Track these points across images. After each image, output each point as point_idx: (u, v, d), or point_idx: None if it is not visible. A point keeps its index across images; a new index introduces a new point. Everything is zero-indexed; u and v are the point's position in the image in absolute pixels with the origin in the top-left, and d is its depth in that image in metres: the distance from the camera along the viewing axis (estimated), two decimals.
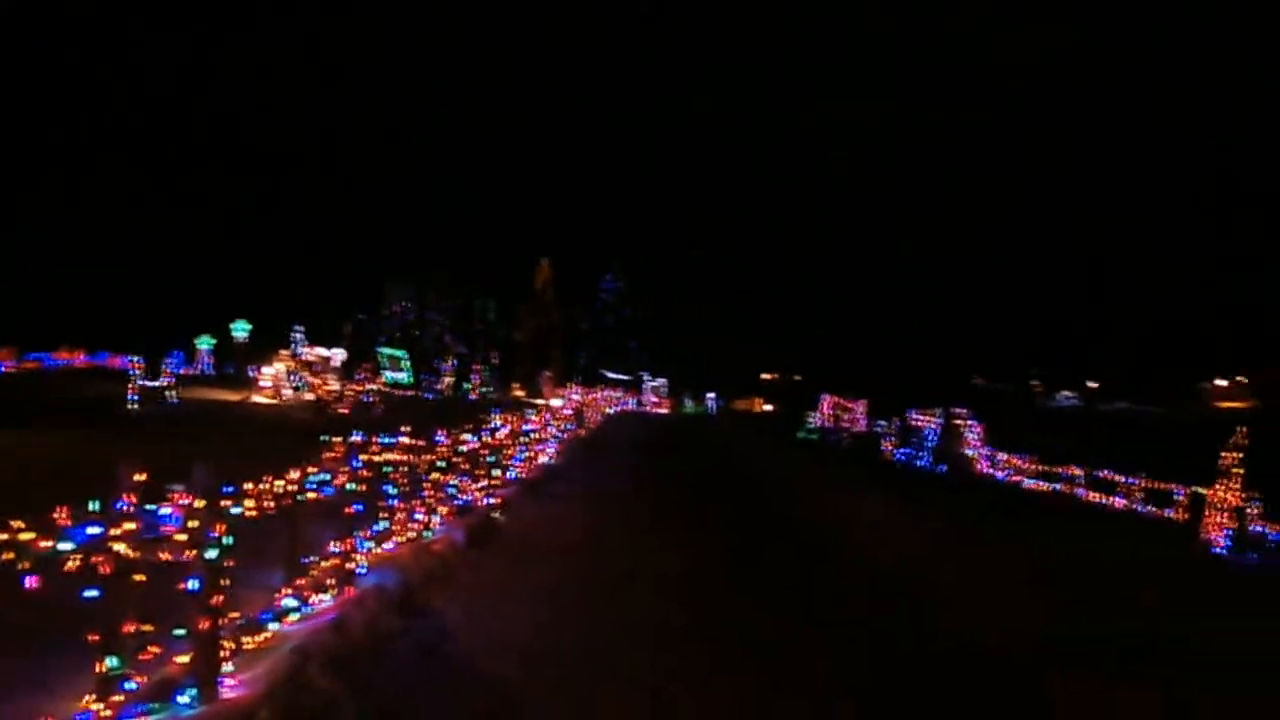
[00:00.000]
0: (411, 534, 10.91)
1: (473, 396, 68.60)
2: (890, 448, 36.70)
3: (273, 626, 6.89)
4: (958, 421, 34.06)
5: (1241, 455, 16.40)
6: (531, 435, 21.77)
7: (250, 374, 44.76)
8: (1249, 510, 16.52)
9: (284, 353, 42.62)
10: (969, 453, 32.85)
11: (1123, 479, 22.79)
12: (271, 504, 6.93)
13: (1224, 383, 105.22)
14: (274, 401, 38.65)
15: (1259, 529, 16.31)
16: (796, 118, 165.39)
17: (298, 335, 46.86)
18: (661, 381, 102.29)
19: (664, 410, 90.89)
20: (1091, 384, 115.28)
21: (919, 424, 34.91)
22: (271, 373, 40.68)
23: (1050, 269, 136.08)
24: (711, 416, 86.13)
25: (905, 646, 8.56)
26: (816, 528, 16.23)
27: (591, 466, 24.36)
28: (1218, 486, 16.53)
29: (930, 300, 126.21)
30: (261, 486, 6.80)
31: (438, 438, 12.64)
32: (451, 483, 12.97)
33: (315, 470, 8.02)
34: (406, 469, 10.90)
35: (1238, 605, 11.80)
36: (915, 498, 21.21)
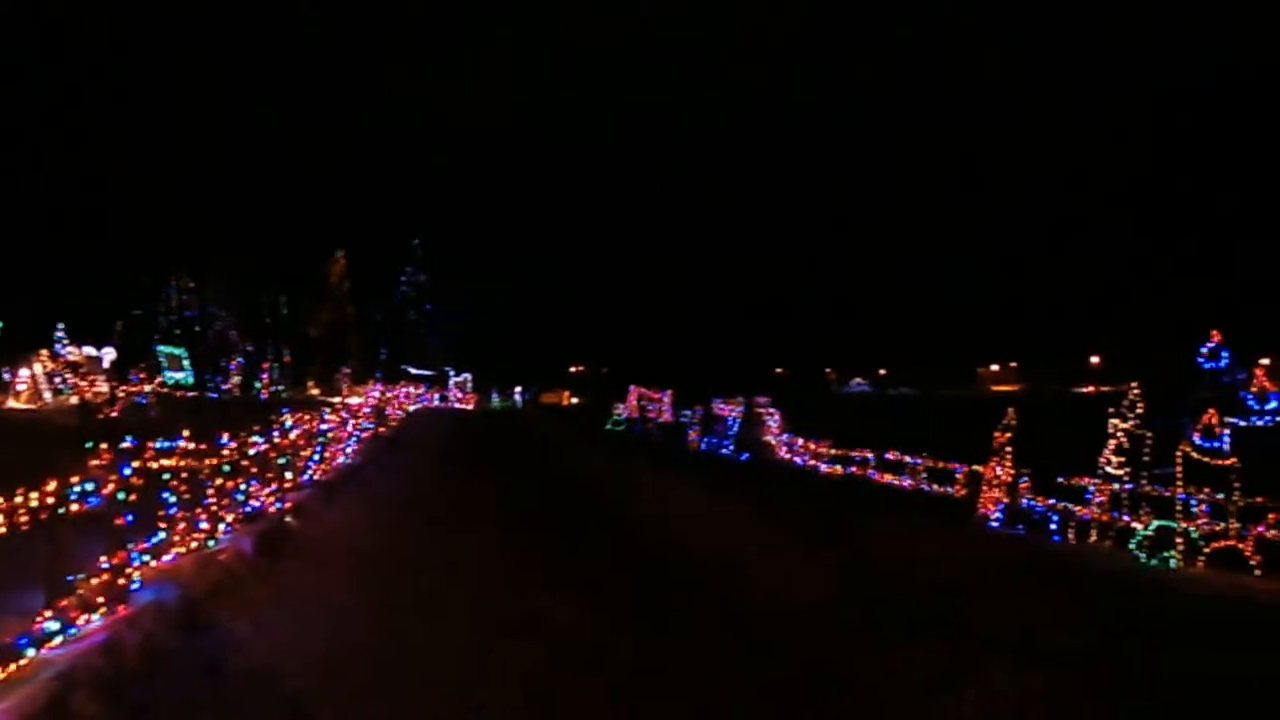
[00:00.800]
0: (194, 544, 10.24)
1: (263, 395, 65.17)
2: (695, 437, 37.78)
3: (30, 653, 6.29)
4: (759, 410, 35.50)
5: (1011, 435, 17.98)
6: (328, 435, 20.92)
7: (3, 377, 40.62)
8: (1019, 485, 18.17)
9: (44, 352, 38.97)
10: (770, 440, 34.32)
11: (909, 459, 24.48)
12: (26, 519, 6.31)
13: (996, 367, 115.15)
14: (31, 407, 35.28)
15: (1027, 503, 17.94)
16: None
17: (59, 333, 42.95)
18: (466, 376, 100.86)
19: (469, 406, 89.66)
20: (881, 370, 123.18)
21: (723, 413, 36.10)
22: (28, 375, 37.11)
23: (844, 260, 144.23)
24: (518, 411, 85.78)
25: (723, 626, 8.90)
26: (629, 520, 16.48)
27: (393, 466, 23.70)
28: (992, 464, 18.06)
29: (735, 290, 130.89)
30: (15, 500, 6.18)
31: (222, 440, 11.91)
32: (240, 488, 12.27)
33: (79, 480, 7.36)
34: (187, 475, 10.21)
35: (1006, 575, 12.90)
36: (720, 486, 21.94)
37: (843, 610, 9.85)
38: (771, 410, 35.37)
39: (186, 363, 69.55)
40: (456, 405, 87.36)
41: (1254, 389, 14.66)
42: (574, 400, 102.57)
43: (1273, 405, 14.44)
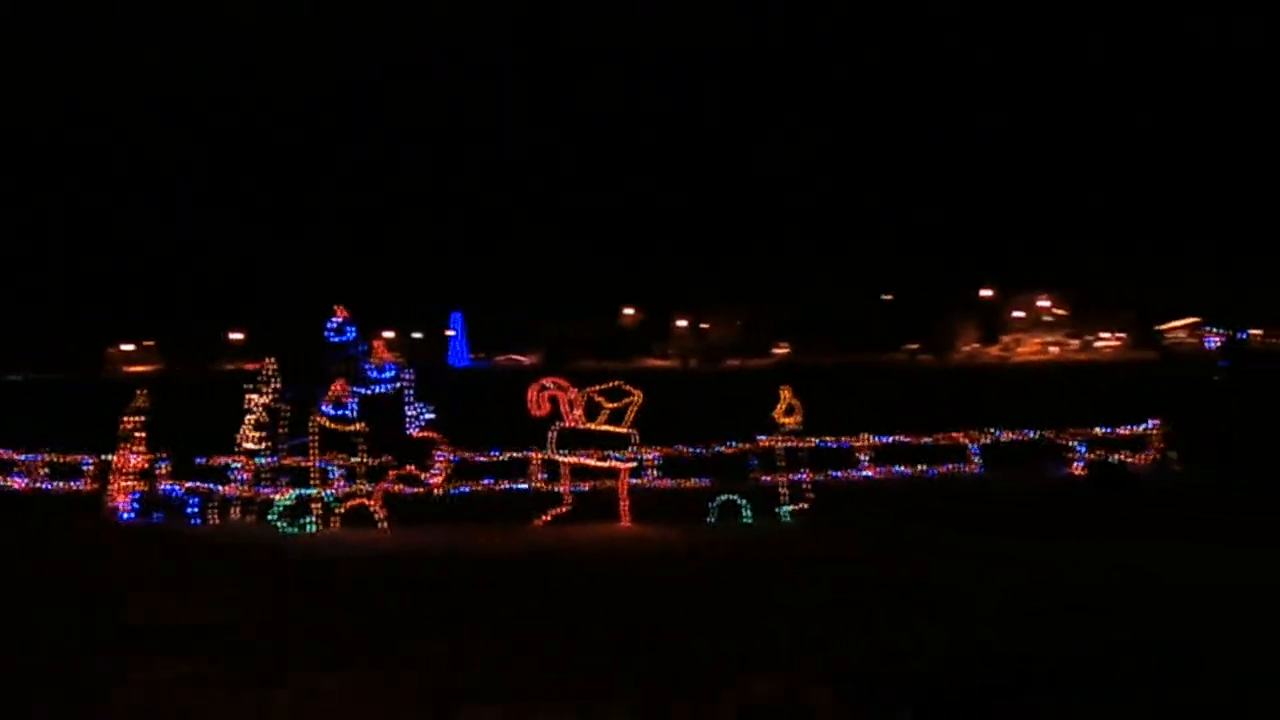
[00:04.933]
0: None
1: None
2: None
3: None
4: None
5: (143, 418, 17.54)
6: None
7: None
8: (157, 471, 17.89)
9: None
10: None
11: (23, 457, 22.13)
12: None
13: (131, 347, 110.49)
14: None
15: (167, 488, 17.78)
16: None
17: None
18: None
19: None
20: None
21: None
22: None
23: None
24: None
25: None
26: None
27: None
28: (123, 451, 17.42)
29: None
30: None
31: None
32: None
33: None
34: None
35: (149, 567, 12.73)
36: None
37: None
38: None
39: None
40: None
41: (374, 360, 16.83)
42: None
43: (390, 374, 16.77)
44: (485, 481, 18.61)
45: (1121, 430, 21.32)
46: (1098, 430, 21.23)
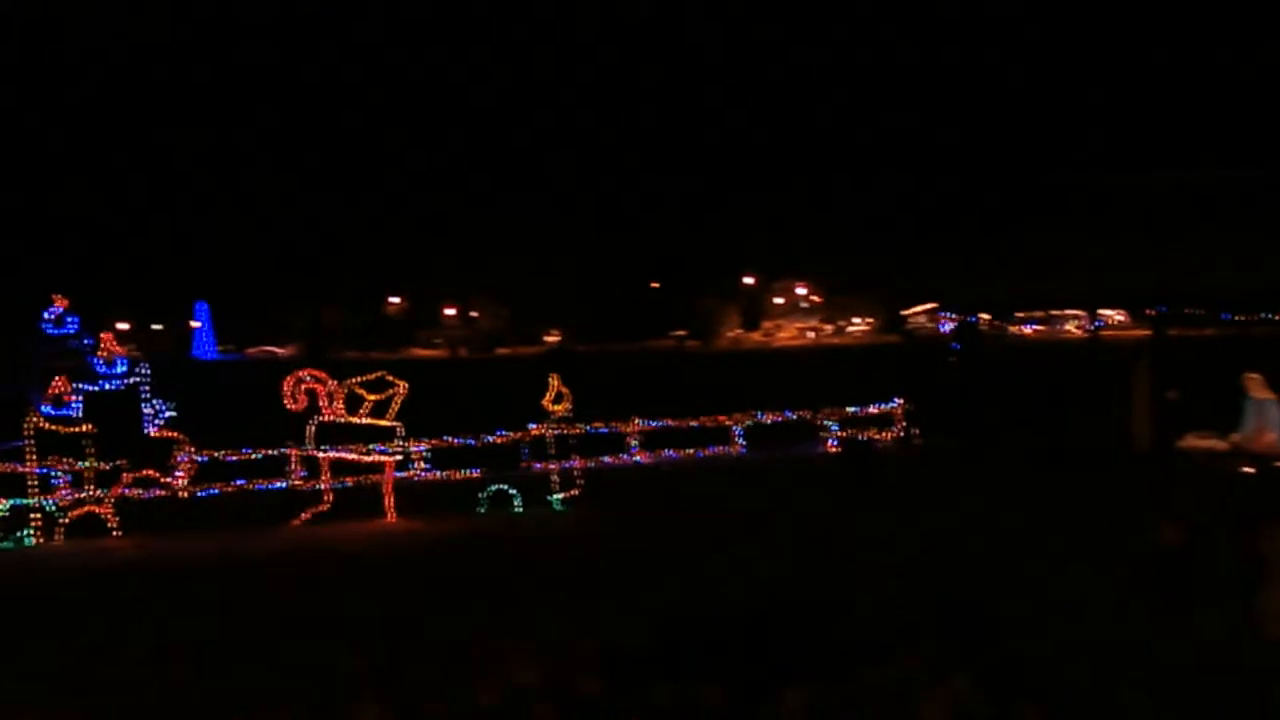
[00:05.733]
0: None
1: None
2: None
3: None
4: None
5: None
6: None
7: None
8: None
9: None
10: None
11: None
12: None
13: None
14: None
15: None
16: None
17: None
18: None
19: None
20: None
21: None
22: None
23: None
24: None
25: None
26: None
27: None
28: None
29: None
30: None
31: None
32: None
33: None
34: None
35: None
36: None
37: None
38: None
39: None
40: None
41: (103, 354, 15.38)
42: None
43: (121, 369, 15.41)
44: (237, 482, 17.46)
45: (870, 409, 22.70)
46: (849, 410, 22.52)
